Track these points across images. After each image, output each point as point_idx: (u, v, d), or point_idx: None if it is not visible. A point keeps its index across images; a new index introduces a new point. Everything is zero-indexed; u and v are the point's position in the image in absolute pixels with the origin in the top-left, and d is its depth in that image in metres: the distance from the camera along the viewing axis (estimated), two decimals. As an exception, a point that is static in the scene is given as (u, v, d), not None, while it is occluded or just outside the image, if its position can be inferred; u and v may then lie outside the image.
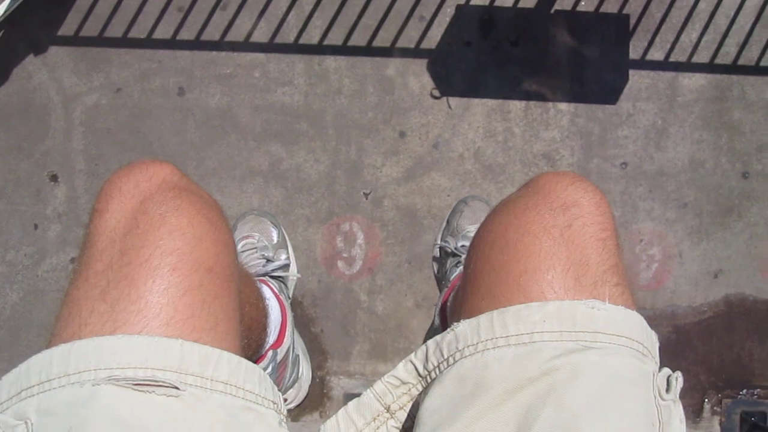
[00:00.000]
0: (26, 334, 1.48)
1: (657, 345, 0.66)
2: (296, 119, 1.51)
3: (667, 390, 0.60)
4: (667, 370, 0.62)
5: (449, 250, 1.39)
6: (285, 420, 0.66)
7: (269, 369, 1.21)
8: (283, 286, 1.38)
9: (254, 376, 0.63)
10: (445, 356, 0.64)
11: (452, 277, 1.35)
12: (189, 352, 0.58)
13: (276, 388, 0.67)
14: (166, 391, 0.56)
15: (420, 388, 0.67)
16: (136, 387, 0.55)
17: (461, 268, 1.35)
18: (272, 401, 0.64)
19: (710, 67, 1.52)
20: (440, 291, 1.44)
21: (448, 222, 1.47)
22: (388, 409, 0.67)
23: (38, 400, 0.55)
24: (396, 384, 0.67)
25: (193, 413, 0.56)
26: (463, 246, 1.38)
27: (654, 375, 0.61)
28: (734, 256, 1.53)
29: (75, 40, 1.50)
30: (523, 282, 0.64)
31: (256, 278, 1.32)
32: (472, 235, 1.38)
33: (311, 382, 1.47)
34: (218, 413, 0.58)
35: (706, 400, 1.52)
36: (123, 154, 1.50)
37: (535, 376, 0.58)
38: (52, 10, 1.50)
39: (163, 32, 1.51)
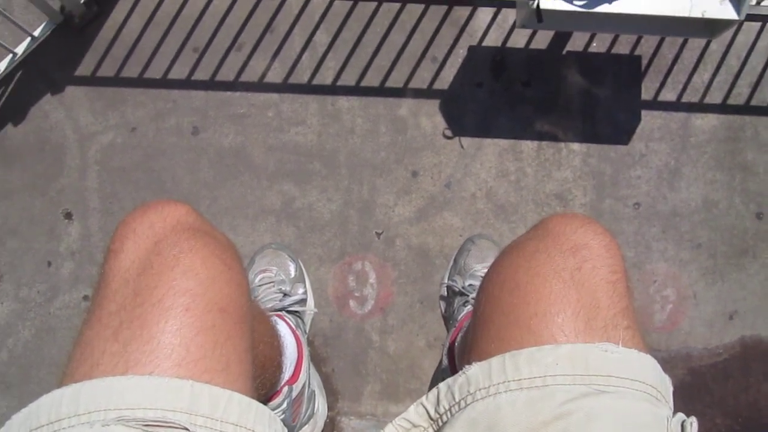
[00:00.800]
0: (37, 372, 1.48)
1: (671, 389, 0.66)
2: (309, 159, 1.52)
3: (682, 435, 0.59)
4: (681, 415, 0.61)
5: (457, 289, 1.39)
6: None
7: (284, 405, 1.20)
8: (299, 321, 1.38)
9: (264, 418, 0.62)
10: (457, 399, 0.63)
11: (460, 316, 1.34)
12: (199, 393, 0.58)
13: (286, 430, 0.66)
14: None
15: None
16: (146, 428, 0.55)
17: (469, 307, 1.34)
18: (282, 443, 0.64)
19: (722, 108, 1.52)
20: (448, 331, 1.43)
21: (455, 261, 1.46)
22: (399, 453, 0.66)
23: None
24: (407, 427, 0.67)
25: None
26: (470, 285, 1.37)
27: (668, 420, 0.60)
28: (749, 297, 1.51)
29: (91, 80, 1.52)
30: (533, 325, 0.63)
31: (273, 313, 1.32)
32: (479, 274, 1.37)
33: (326, 418, 1.45)
34: None
35: (723, 444, 1.50)
36: (137, 192, 1.51)
37: (549, 420, 0.57)
38: (69, 51, 1.52)
39: (179, 73, 1.53)
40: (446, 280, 1.46)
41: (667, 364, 1.49)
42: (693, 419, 0.60)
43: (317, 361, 1.48)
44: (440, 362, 1.44)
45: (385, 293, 1.50)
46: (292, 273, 1.43)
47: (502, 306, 0.68)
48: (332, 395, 1.48)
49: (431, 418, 0.66)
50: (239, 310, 0.67)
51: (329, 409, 1.47)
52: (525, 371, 0.60)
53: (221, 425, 0.58)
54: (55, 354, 1.48)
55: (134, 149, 1.52)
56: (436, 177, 1.52)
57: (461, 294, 1.37)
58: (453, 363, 1.28)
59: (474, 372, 0.63)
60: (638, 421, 0.58)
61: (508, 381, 0.60)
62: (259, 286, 1.37)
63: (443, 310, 1.48)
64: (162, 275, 0.63)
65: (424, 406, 0.67)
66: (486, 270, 1.27)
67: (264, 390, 1.06)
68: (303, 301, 1.40)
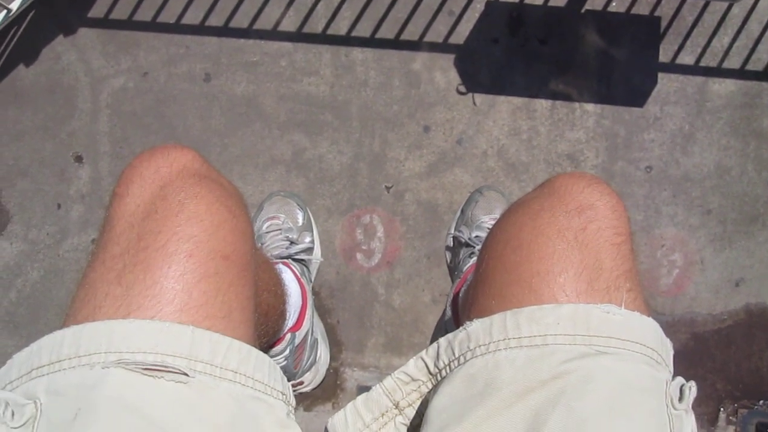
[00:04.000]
0: (45, 313, 1.50)
1: (671, 353, 0.66)
2: (321, 110, 1.51)
3: (680, 399, 0.59)
4: (680, 379, 0.61)
5: (463, 240, 1.39)
6: (293, 411, 0.66)
7: (287, 351, 1.21)
8: (305, 269, 1.38)
9: (264, 366, 0.63)
10: (457, 355, 0.63)
11: (465, 267, 1.34)
12: (200, 339, 0.58)
13: (286, 379, 0.67)
14: (174, 377, 0.56)
15: (430, 386, 0.67)
16: (145, 372, 0.55)
17: (474, 258, 1.34)
18: (281, 392, 0.64)
19: (741, 74, 1.50)
20: (453, 281, 1.43)
21: (462, 212, 1.46)
22: (396, 406, 0.67)
23: (48, 380, 0.55)
24: (406, 381, 0.67)
25: (200, 400, 0.56)
26: (477, 236, 1.37)
27: (667, 383, 0.60)
28: (757, 265, 1.51)
29: (104, 23, 1.51)
30: (534, 284, 0.63)
31: (279, 260, 1.32)
32: (486, 225, 1.37)
33: (328, 366, 1.47)
34: (226, 401, 0.58)
35: (722, 409, 1.50)
36: (147, 137, 1.51)
37: (546, 380, 0.57)
38: (83, -8, 1.51)
39: (192, 18, 1.51)
40: (453, 231, 1.46)
41: (671, 328, 1.49)
42: (692, 383, 0.60)
43: (322, 312, 1.49)
44: (444, 312, 1.45)
45: (393, 247, 1.51)
46: (300, 221, 1.43)
47: (505, 264, 0.68)
48: (336, 346, 1.49)
49: (430, 373, 0.67)
50: (243, 258, 0.67)
51: (333, 359, 1.49)
52: (525, 329, 0.60)
53: (220, 371, 0.59)
54: (62, 296, 1.50)
55: (146, 94, 1.52)
56: (448, 133, 1.51)
57: (467, 245, 1.37)
58: (456, 314, 1.29)
59: (474, 328, 0.63)
60: (637, 383, 0.58)
61: (509, 338, 0.61)
62: (267, 233, 1.38)
63: (448, 261, 1.48)
64: (166, 220, 0.63)
65: (423, 361, 0.67)
66: (493, 221, 1.27)
67: (266, 338, 1.07)
68: (309, 250, 1.41)
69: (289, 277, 1.27)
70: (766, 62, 1.50)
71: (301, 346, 1.28)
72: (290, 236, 1.38)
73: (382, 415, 0.67)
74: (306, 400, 1.49)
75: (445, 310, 1.41)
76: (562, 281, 0.63)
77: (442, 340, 0.65)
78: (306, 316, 1.28)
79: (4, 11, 1.36)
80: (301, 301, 1.27)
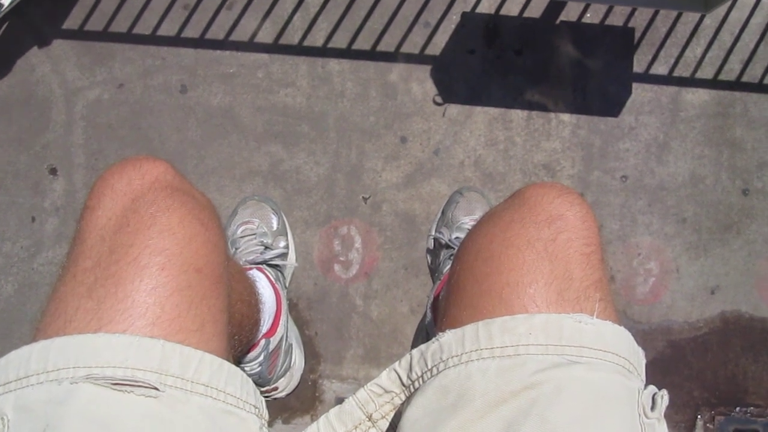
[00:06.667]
0: (19, 327, 1.48)
1: (644, 362, 0.66)
2: (298, 121, 1.51)
3: (652, 408, 0.59)
4: (652, 388, 0.61)
5: (443, 242, 1.39)
6: (266, 425, 0.66)
7: (261, 357, 1.21)
8: (280, 274, 1.38)
9: (236, 379, 0.63)
10: (429, 366, 0.63)
11: (445, 269, 1.34)
12: (170, 352, 0.58)
13: (259, 392, 0.67)
14: (145, 391, 0.55)
15: (403, 398, 0.67)
16: (114, 386, 0.55)
17: None
18: (254, 405, 0.64)
19: (713, 84, 1.52)
20: (434, 283, 1.43)
21: (443, 213, 1.46)
22: (369, 418, 0.67)
23: (15, 396, 0.55)
24: (379, 392, 0.67)
25: (171, 414, 0.56)
26: (457, 238, 1.37)
27: (639, 392, 0.60)
28: (732, 272, 1.52)
29: (79, 34, 1.50)
30: (505, 295, 0.64)
31: (253, 265, 1.32)
32: (466, 226, 1.37)
33: (302, 371, 1.46)
34: (197, 416, 0.57)
35: (699, 416, 1.51)
36: (123, 150, 1.50)
37: (518, 390, 0.57)
38: (57, 3, 1.50)
39: (168, 29, 1.51)
40: (433, 232, 1.46)
41: (648, 336, 1.50)
42: (664, 392, 0.61)
43: (300, 323, 1.49)
44: (424, 315, 1.44)
45: (370, 258, 1.51)
46: (275, 226, 1.42)
47: (476, 275, 0.68)
48: (314, 358, 1.49)
49: (403, 384, 0.67)
50: (215, 270, 0.67)
51: (311, 372, 1.48)
52: (497, 340, 0.60)
53: (192, 385, 0.58)
54: (37, 310, 1.48)
55: (121, 106, 1.51)
56: (425, 143, 1.51)
57: (447, 246, 1.37)
58: (437, 317, 1.28)
59: (447, 339, 0.63)
60: (609, 392, 0.58)
61: (481, 349, 0.61)
62: (241, 237, 1.37)
63: (429, 262, 1.48)
64: (138, 233, 0.63)
65: (396, 372, 0.67)
66: (474, 222, 1.27)
67: (241, 347, 1.06)
68: (284, 255, 1.40)
69: (263, 282, 1.26)
70: (738, 72, 1.52)
71: (275, 351, 1.27)
72: (264, 241, 1.37)
73: (356, 427, 0.67)
74: (284, 413, 1.48)
75: (425, 312, 1.41)
76: (532, 292, 0.63)
77: (415, 352, 0.65)
78: (280, 322, 1.28)
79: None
80: (275, 307, 1.26)
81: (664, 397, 0.60)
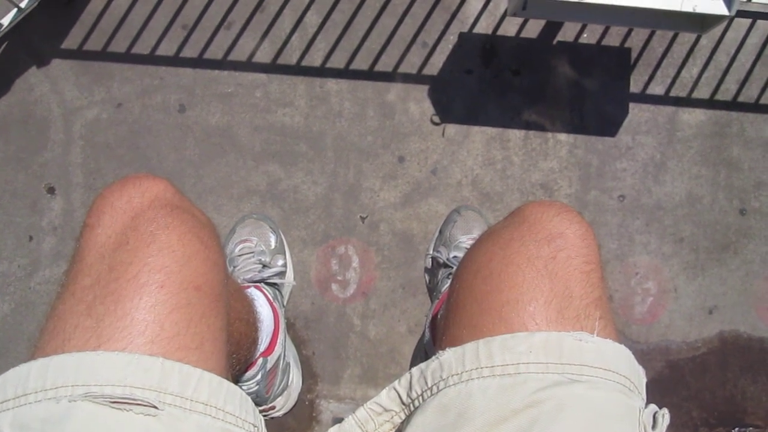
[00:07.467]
0: (15, 346, 1.48)
1: (644, 380, 0.66)
2: (296, 140, 1.51)
3: (654, 427, 0.59)
4: (653, 407, 0.61)
5: (441, 261, 1.38)
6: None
7: (259, 376, 1.20)
8: (278, 293, 1.37)
9: (235, 397, 0.62)
10: (429, 385, 0.63)
11: (443, 288, 1.34)
12: (169, 371, 0.58)
13: (257, 411, 0.66)
14: (143, 410, 0.55)
15: (403, 416, 0.66)
16: (113, 405, 0.54)
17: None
18: (252, 424, 0.64)
19: (710, 103, 1.53)
20: (432, 302, 1.43)
21: (440, 232, 1.46)
22: (369, 437, 0.66)
23: (13, 414, 0.54)
24: (378, 411, 0.67)
25: None
26: (455, 257, 1.37)
27: (640, 411, 0.60)
28: (730, 292, 1.52)
29: (78, 54, 1.51)
30: (505, 313, 0.63)
31: (251, 284, 1.32)
32: (464, 245, 1.37)
33: (300, 391, 1.45)
34: None
35: (698, 437, 1.51)
36: (121, 169, 1.50)
37: (519, 409, 0.57)
38: (56, 23, 1.51)
39: (167, 49, 1.51)
40: (431, 252, 1.46)
41: (646, 356, 1.49)
42: (665, 411, 0.60)
43: (298, 343, 1.48)
44: (423, 334, 1.44)
45: (368, 278, 1.50)
46: (273, 244, 1.42)
47: (475, 293, 0.68)
48: (312, 378, 1.48)
49: (403, 403, 0.66)
50: (215, 288, 0.67)
51: (308, 392, 1.48)
52: (498, 358, 0.60)
53: (191, 404, 0.58)
54: (33, 329, 1.47)
55: (120, 125, 1.51)
56: (423, 163, 1.51)
57: (445, 266, 1.37)
58: (435, 336, 1.28)
59: (447, 357, 0.63)
60: (610, 411, 0.58)
61: (481, 368, 0.60)
62: (239, 256, 1.37)
63: (427, 281, 1.47)
64: (138, 251, 0.63)
65: (396, 391, 0.67)
66: (472, 241, 1.27)
67: (239, 365, 1.06)
68: (282, 273, 1.40)
69: (261, 301, 1.26)
70: (735, 92, 1.53)
71: (273, 370, 1.27)
72: (263, 259, 1.37)
73: (355, 446, 0.66)
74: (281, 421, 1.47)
75: (424, 332, 1.40)
76: (532, 310, 0.63)
77: (415, 370, 0.65)
78: (278, 341, 1.27)
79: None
80: (273, 326, 1.26)
81: (665, 416, 0.60)
